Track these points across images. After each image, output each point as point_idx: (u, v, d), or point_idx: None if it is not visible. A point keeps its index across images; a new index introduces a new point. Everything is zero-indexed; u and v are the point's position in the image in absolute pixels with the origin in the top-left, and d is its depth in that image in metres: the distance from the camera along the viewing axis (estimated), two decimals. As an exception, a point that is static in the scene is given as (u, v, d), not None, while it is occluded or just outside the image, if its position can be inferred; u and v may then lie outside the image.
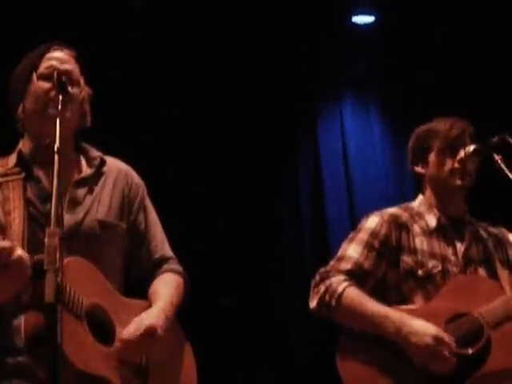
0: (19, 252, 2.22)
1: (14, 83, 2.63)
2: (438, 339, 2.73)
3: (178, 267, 2.77)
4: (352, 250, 2.99)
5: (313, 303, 2.94)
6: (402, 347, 2.78)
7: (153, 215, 2.79)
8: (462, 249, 3.02)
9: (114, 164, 2.75)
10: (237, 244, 5.51)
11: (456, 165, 3.01)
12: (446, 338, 2.75)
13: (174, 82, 5.39)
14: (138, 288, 2.72)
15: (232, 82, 5.57)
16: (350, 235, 3.08)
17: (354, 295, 2.87)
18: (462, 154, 3.01)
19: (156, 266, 2.73)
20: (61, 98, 2.40)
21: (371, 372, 2.79)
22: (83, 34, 4.55)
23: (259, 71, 5.61)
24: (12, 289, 2.27)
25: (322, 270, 2.99)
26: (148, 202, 2.79)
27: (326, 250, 3.08)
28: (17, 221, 2.42)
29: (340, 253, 3.03)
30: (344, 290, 2.87)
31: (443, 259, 2.98)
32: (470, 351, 2.77)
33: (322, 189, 5.75)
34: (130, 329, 2.45)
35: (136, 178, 2.79)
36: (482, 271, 3.01)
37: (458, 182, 3.01)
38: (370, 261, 2.96)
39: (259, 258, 5.54)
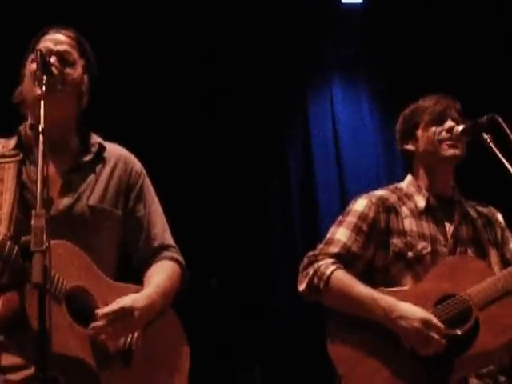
0: None
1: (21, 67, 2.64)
2: (426, 322, 2.74)
3: (177, 256, 2.75)
4: (340, 234, 2.99)
5: (302, 286, 2.94)
6: (391, 330, 2.79)
7: (154, 202, 2.78)
8: (451, 229, 3.01)
9: (113, 150, 2.74)
10: (228, 229, 5.51)
11: (444, 134, 3.01)
12: (435, 320, 2.76)
13: (167, 70, 5.38)
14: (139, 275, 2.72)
15: (220, 69, 5.54)
16: (339, 218, 3.07)
17: (342, 278, 2.88)
18: (450, 123, 3.01)
19: (155, 253, 2.72)
20: (45, 78, 2.38)
21: (361, 353, 2.81)
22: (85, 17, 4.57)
23: (247, 58, 5.58)
24: None
25: (311, 253, 2.99)
26: (149, 190, 2.78)
27: (317, 234, 3.11)
28: (7, 202, 2.42)
29: (328, 236, 3.03)
30: (332, 273, 2.88)
31: (432, 240, 2.97)
32: (459, 332, 2.78)
33: (313, 173, 5.77)
34: (107, 307, 2.44)
35: (136, 165, 2.77)
36: (471, 251, 3.01)
37: (449, 151, 3.00)
38: (358, 244, 2.96)
39: (249, 242, 5.55)
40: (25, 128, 2.64)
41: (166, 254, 2.73)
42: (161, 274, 2.66)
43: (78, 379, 2.36)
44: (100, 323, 2.40)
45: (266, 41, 5.58)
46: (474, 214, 3.11)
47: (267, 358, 5.40)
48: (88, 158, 2.66)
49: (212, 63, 5.52)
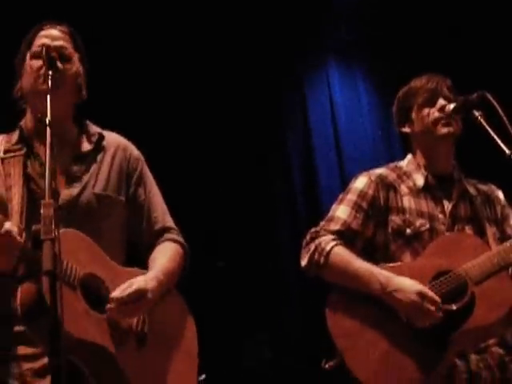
0: (7, 226, 2.27)
1: (15, 63, 2.70)
2: (422, 295, 2.78)
3: (179, 237, 2.82)
4: (341, 211, 3.06)
5: (304, 261, 3.02)
6: (389, 303, 2.84)
7: (153, 187, 2.85)
8: (450, 207, 3.06)
9: (112, 139, 2.80)
10: (233, 212, 5.62)
11: (437, 113, 3.05)
12: (430, 293, 2.80)
13: (168, 59, 5.45)
14: (142, 259, 2.77)
15: (219, 58, 5.59)
16: (340, 196, 3.14)
17: (341, 253, 2.95)
18: (441, 101, 3.05)
19: (157, 236, 2.79)
20: (50, 73, 2.46)
21: (359, 326, 2.87)
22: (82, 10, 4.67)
23: (245, 45, 5.64)
24: (4, 262, 2.32)
25: (313, 230, 3.06)
26: (147, 175, 2.85)
27: (319, 215, 3.21)
28: (16, 196, 2.50)
29: (330, 214, 3.10)
30: (332, 248, 2.95)
31: (431, 218, 3.02)
32: (455, 307, 2.82)
33: (313, 155, 5.84)
34: (120, 289, 2.49)
35: (135, 152, 2.84)
36: (469, 229, 3.05)
37: (444, 129, 3.04)
38: (358, 221, 3.03)
39: (255, 224, 5.66)
40: (25, 122, 2.70)
41: (168, 236, 2.79)
42: (165, 256, 2.72)
43: (97, 363, 2.40)
44: (115, 305, 2.45)
45: (262, 28, 5.63)
46: (473, 191, 3.14)
47: (278, 332, 5.52)
48: (89, 147, 2.72)
49: (211, 51, 5.55)
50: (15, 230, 2.29)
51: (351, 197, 3.09)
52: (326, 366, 2.87)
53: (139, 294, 2.49)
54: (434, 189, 3.11)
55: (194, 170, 5.52)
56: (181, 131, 5.51)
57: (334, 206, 3.13)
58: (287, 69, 5.91)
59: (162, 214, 2.83)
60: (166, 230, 2.81)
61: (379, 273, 2.90)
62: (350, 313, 2.90)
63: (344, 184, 3.33)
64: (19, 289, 2.32)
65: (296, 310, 5.62)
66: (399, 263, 2.98)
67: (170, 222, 2.84)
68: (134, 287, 2.50)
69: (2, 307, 2.49)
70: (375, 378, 2.80)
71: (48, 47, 2.59)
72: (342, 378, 2.85)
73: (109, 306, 2.47)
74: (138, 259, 2.79)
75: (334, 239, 3.00)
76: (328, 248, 2.96)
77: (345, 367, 2.82)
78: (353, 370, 2.80)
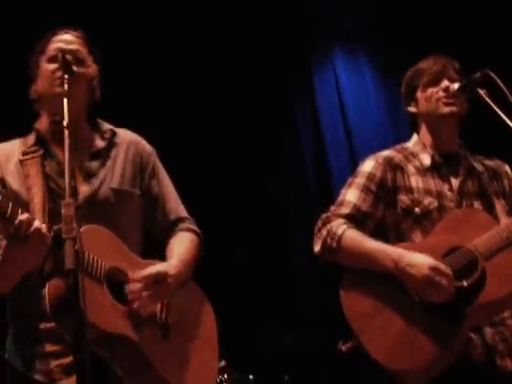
0: (37, 224, 2.31)
1: (29, 67, 2.76)
2: (435, 269, 2.79)
3: (194, 226, 2.88)
4: (350, 195, 3.10)
5: (317, 247, 3.05)
6: (402, 280, 2.85)
7: (166, 179, 2.91)
8: (457, 184, 3.08)
9: (124, 135, 2.87)
10: (248, 202, 5.73)
11: (441, 93, 3.09)
12: (443, 267, 2.81)
13: (175, 43, 5.52)
14: (158, 250, 2.82)
15: (229, 51, 5.67)
16: (348, 180, 3.17)
17: (353, 236, 2.97)
18: (445, 82, 3.09)
19: (172, 226, 2.85)
20: (67, 76, 2.51)
21: (373, 307, 2.88)
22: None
23: (256, 38, 5.71)
24: (33, 259, 2.37)
25: (324, 215, 3.09)
26: (160, 168, 2.91)
27: (331, 197, 3.29)
28: (37, 195, 2.55)
29: (339, 198, 3.13)
30: (344, 231, 2.98)
31: (439, 195, 3.05)
32: (465, 283, 2.82)
33: (323, 141, 5.92)
34: (143, 271, 2.54)
35: (147, 147, 2.91)
36: (477, 204, 3.07)
37: (446, 108, 3.08)
38: (367, 203, 3.06)
39: (269, 213, 5.76)
40: (40, 124, 2.76)
41: (183, 225, 2.85)
42: (181, 246, 2.77)
43: (125, 355, 2.45)
44: (136, 286, 2.50)
45: (270, 20, 5.70)
46: (480, 167, 3.17)
47: (293, 322, 5.56)
48: (102, 144, 2.79)
49: (221, 43, 5.62)
50: (44, 227, 2.34)
51: (360, 180, 3.13)
52: (343, 348, 2.89)
53: (159, 277, 2.54)
54: (441, 167, 3.13)
55: (207, 160, 5.60)
56: (194, 122, 5.60)
57: (343, 191, 3.16)
58: (294, 58, 5.96)
59: (175, 204, 2.89)
60: (181, 219, 2.87)
61: (392, 250, 2.92)
62: (363, 294, 2.92)
63: (354, 165, 3.37)
64: (47, 286, 2.37)
65: (312, 294, 5.69)
66: (410, 243, 3.00)
67: (183, 211, 2.90)
68: (155, 270, 2.56)
69: (29, 306, 2.54)
70: (392, 357, 2.81)
71: (63, 51, 2.65)
72: (360, 359, 2.87)
73: (129, 286, 2.51)
74: (154, 251, 2.84)
75: (345, 223, 3.02)
76: (340, 232, 2.99)
77: (362, 348, 2.84)
78: (369, 351, 2.81)
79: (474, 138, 3.24)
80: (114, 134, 2.83)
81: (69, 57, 2.62)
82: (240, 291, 5.52)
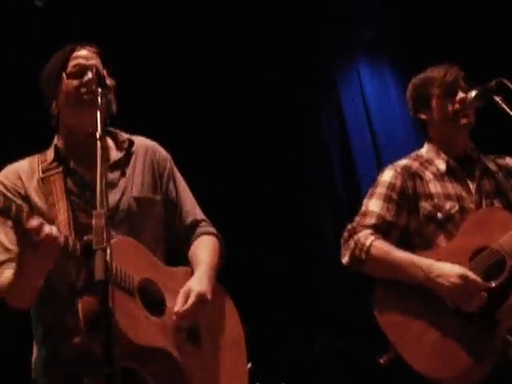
0: (47, 229, 2.28)
1: (46, 83, 2.76)
2: (463, 277, 2.81)
3: (211, 229, 2.89)
4: (373, 205, 3.13)
5: (345, 258, 3.07)
6: (433, 290, 2.87)
7: (182, 183, 2.92)
8: (475, 185, 3.12)
9: (141, 143, 2.88)
10: (274, 201, 5.77)
11: (457, 106, 3.14)
12: (471, 275, 2.82)
13: (195, 42, 5.57)
14: (176, 253, 2.84)
15: (252, 58, 5.73)
16: (370, 191, 3.21)
17: (381, 246, 2.99)
18: (460, 94, 3.14)
19: (190, 230, 2.85)
20: (100, 90, 2.48)
21: (407, 316, 2.89)
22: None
23: (281, 49, 5.78)
24: (46, 265, 2.36)
25: (349, 226, 3.11)
26: (176, 172, 2.92)
27: (358, 199, 3.36)
28: (62, 210, 2.56)
29: (363, 209, 3.16)
30: (371, 243, 3.00)
31: (459, 199, 3.08)
32: (493, 284, 2.84)
33: (350, 148, 5.98)
34: (181, 300, 2.54)
35: (163, 152, 2.92)
36: (497, 203, 3.11)
37: (464, 120, 3.14)
38: (391, 212, 3.09)
39: (296, 211, 5.81)
40: (59, 141, 2.76)
41: (201, 229, 2.86)
42: (206, 252, 2.78)
43: (161, 369, 2.44)
44: (181, 318, 2.52)
45: (297, 31, 5.78)
46: (494, 167, 3.21)
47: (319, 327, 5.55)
48: (120, 154, 2.79)
49: (246, 52, 5.70)
50: (54, 230, 2.32)
51: (381, 190, 3.16)
52: (381, 361, 2.90)
53: (200, 300, 2.56)
54: (457, 171, 3.17)
55: (237, 161, 5.66)
56: (223, 123, 5.68)
57: (365, 201, 3.19)
58: (319, 67, 6.05)
59: (192, 207, 2.90)
60: (198, 222, 2.88)
61: (420, 261, 2.93)
62: (396, 304, 2.93)
63: (379, 167, 3.41)
64: (80, 301, 2.35)
65: (341, 300, 5.69)
66: (436, 249, 3.02)
67: (200, 214, 2.91)
68: (195, 295, 2.56)
69: (59, 322, 2.53)
70: (432, 366, 2.82)
71: (85, 67, 2.67)
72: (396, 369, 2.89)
73: (174, 318, 2.52)
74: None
75: (371, 233, 3.04)
76: (368, 243, 3.01)
77: (400, 359, 2.85)
78: (408, 361, 2.83)
79: (483, 140, 3.29)
80: (131, 143, 2.84)
81: (90, 73, 2.61)
82: (268, 298, 5.51)
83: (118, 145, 2.84)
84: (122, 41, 4.88)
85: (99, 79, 2.53)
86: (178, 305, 2.53)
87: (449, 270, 2.86)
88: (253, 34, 5.70)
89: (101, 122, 2.34)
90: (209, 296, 2.59)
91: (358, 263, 3.04)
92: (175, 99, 5.52)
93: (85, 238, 2.35)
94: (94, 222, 2.01)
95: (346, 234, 3.11)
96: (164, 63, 5.46)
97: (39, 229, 2.28)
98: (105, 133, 2.75)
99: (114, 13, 5.08)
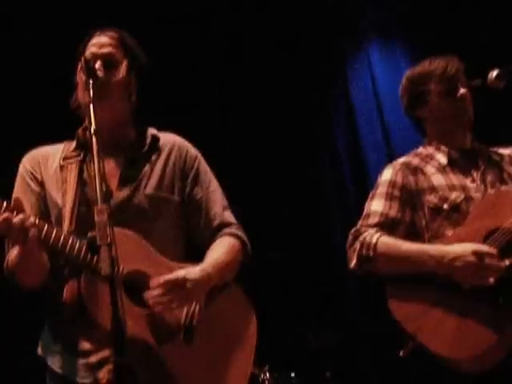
0: (16, 220, 2.31)
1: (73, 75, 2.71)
2: (477, 252, 2.76)
3: (237, 231, 2.78)
4: (375, 205, 3.07)
5: (352, 262, 3.00)
6: (448, 276, 2.82)
7: (212, 184, 2.83)
8: (479, 174, 3.06)
9: (167, 139, 2.81)
10: (283, 200, 5.77)
11: (459, 102, 3.07)
12: (485, 247, 2.78)
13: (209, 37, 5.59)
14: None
15: (268, 51, 5.74)
16: (370, 193, 3.15)
17: (388, 241, 2.93)
18: (462, 90, 3.06)
19: (215, 232, 2.76)
20: (91, 82, 2.44)
21: (422, 306, 2.84)
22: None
23: (289, 34, 5.77)
24: (35, 254, 2.39)
25: (353, 230, 3.04)
26: (205, 172, 2.83)
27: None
28: (69, 200, 2.55)
29: (365, 211, 3.09)
30: (377, 240, 2.94)
31: (463, 188, 3.02)
32: (507, 263, 2.79)
33: (358, 137, 5.91)
34: (160, 277, 2.47)
35: (191, 151, 2.83)
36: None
37: (465, 118, 3.09)
38: (394, 209, 3.03)
39: (305, 212, 5.79)
40: (82, 130, 2.73)
41: (226, 230, 2.76)
42: (219, 250, 2.69)
43: (143, 359, 2.42)
44: (154, 292, 2.45)
45: (305, 16, 5.76)
46: (497, 156, 3.15)
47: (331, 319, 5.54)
48: (143, 149, 2.73)
49: (259, 43, 5.72)
50: (30, 221, 2.33)
51: (381, 189, 3.10)
52: (401, 354, 2.86)
53: (177, 282, 2.47)
54: (459, 162, 3.11)
55: (246, 161, 5.67)
56: (232, 123, 5.72)
57: (367, 204, 3.12)
58: (328, 54, 5.98)
59: (220, 210, 2.80)
60: (225, 225, 2.78)
61: (430, 248, 2.88)
62: (410, 296, 2.88)
63: (391, 160, 3.35)
64: (65, 287, 2.43)
65: (352, 292, 5.69)
66: (445, 238, 2.96)
67: (229, 217, 2.81)
68: (174, 275, 2.49)
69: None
70: (454, 348, 2.78)
71: (95, 56, 2.60)
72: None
73: (148, 292, 2.46)
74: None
75: (376, 231, 2.98)
76: (374, 240, 2.95)
77: (421, 347, 2.82)
78: (430, 347, 2.79)
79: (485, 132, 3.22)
80: (156, 139, 2.78)
81: (98, 62, 2.53)
82: (279, 289, 5.51)
83: (143, 139, 2.78)
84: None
85: (88, 71, 2.48)
86: (152, 280, 2.48)
87: (461, 250, 2.81)
88: (260, 23, 5.70)
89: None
90: (189, 285, 2.49)
91: (367, 262, 2.97)
92: (190, 101, 5.57)
93: (89, 234, 2.27)
94: (96, 217, 2.02)
95: (350, 238, 3.05)
96: (181, 64, 5.51)
97: (7, 220, 2.30)
98: (132, 124, 2.77)
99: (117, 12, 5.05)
